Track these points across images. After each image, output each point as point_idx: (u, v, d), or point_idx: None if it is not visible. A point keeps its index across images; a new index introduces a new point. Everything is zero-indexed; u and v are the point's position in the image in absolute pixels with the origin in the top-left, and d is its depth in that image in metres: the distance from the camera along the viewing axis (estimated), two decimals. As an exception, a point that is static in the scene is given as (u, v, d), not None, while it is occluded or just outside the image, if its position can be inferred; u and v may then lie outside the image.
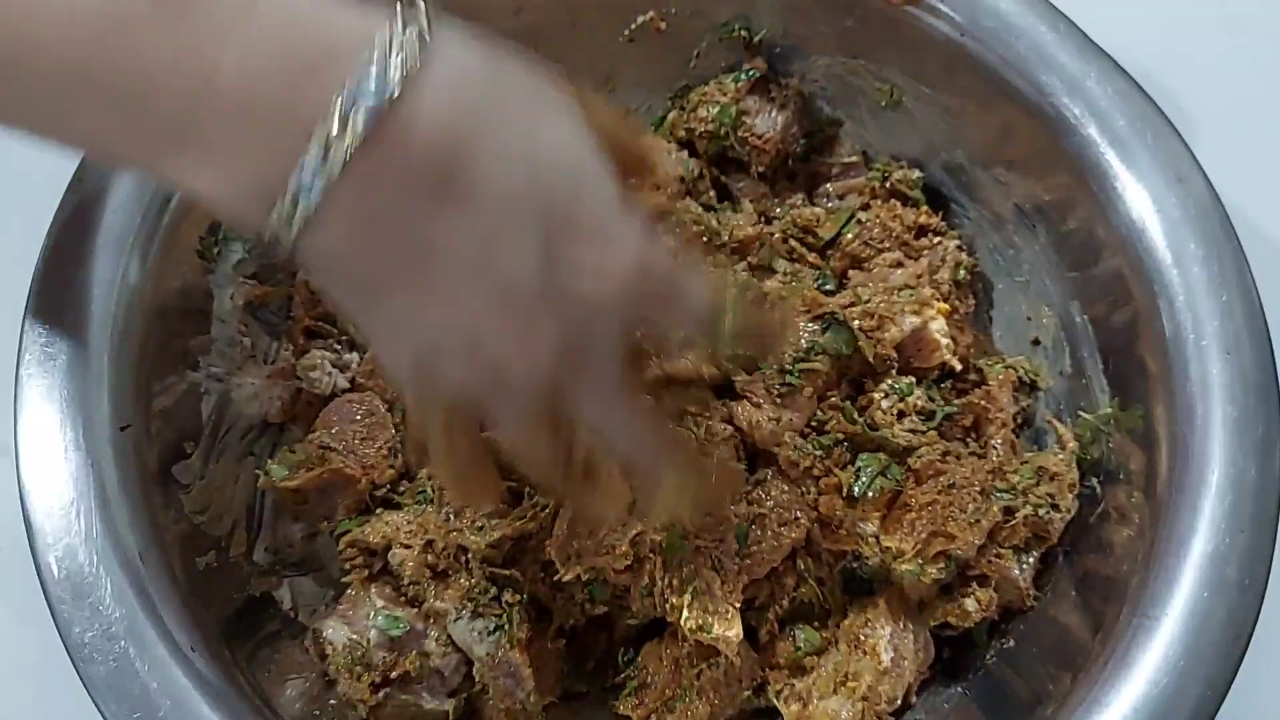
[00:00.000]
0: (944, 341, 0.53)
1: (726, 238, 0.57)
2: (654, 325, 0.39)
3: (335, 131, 0.30)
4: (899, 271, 0.56)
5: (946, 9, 0.54)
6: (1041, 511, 0.50)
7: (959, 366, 0.54)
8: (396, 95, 0.30)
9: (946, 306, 0.54)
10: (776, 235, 0.59)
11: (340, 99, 0.30)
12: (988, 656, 0.51)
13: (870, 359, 0.52)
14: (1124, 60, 0.52)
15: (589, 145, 0.34)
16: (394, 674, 0.48)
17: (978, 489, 0.49)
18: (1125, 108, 0.51)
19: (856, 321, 0.52)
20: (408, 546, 0.50)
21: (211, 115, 0.30)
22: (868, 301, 0.53)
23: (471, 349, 0.33)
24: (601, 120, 0.36)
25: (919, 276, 0.55)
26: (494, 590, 0.49)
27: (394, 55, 0.30)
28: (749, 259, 0.58)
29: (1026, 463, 0.52)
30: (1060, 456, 0.52)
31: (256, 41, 0.30)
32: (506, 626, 0.48)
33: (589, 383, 0.35)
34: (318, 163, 0.30)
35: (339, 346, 0.56)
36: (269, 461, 0.52)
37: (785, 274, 0.58)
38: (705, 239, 0.57)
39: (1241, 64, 0.66)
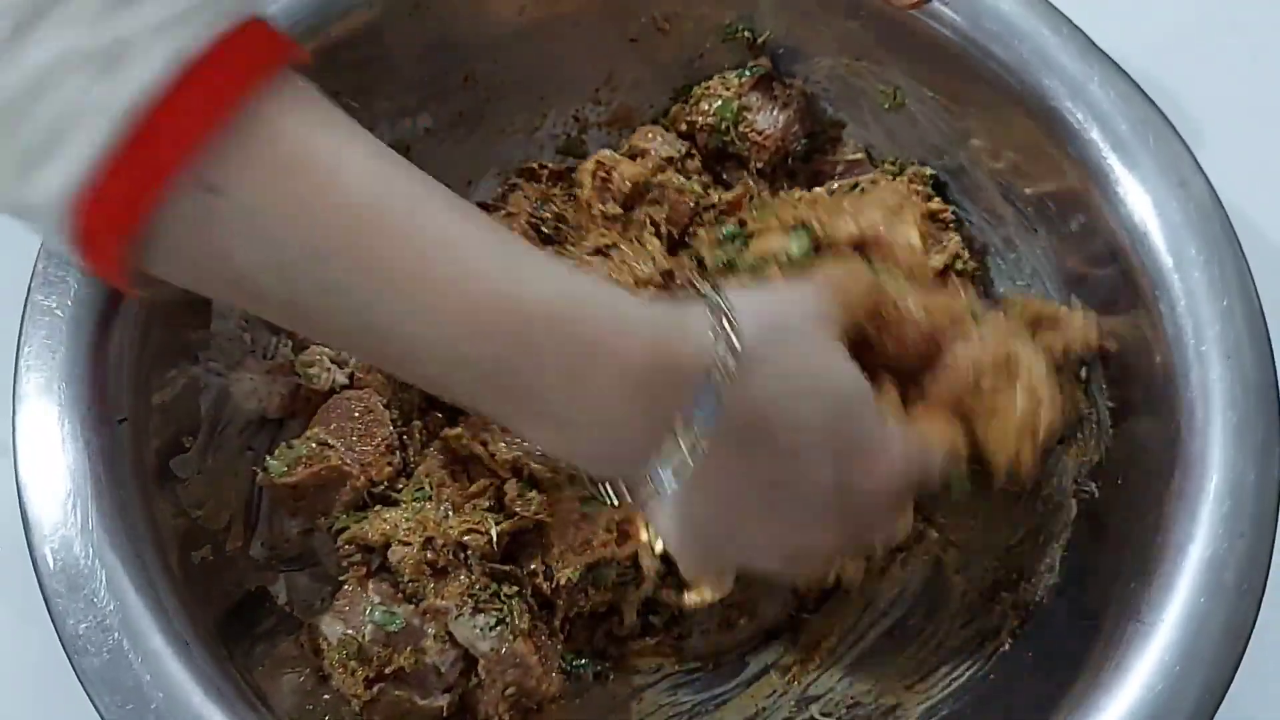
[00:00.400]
0: (913, 249, 0.52)
1: (716, 200, 0.57)
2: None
3: (690, 426, 0.37)
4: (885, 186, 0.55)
5: (949, 12, 0.54)
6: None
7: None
8: (726, 391, 0.37)
9: (924, 227, 0.54)
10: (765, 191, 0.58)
11: (695, 396, 0.37)
12: (981, 662, 0.51)
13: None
14: (1126, 63, 0.52)
15: (854, 373, 0.42)
16: (388, 669, 0.48)
17: None
18: (1127, 111, 0.51)
19: (816, 219, 0.52)
20: (407, 544, 0.50)
21: (593, 397, 0.36)
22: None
23: (785, 554, 0.43)
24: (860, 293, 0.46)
25: (906, 197, 0.54)
26: (494, 586, 0.49)
27: (721, 367, 0.37)
28: (738, 215, 0.57)
29: None
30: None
31: (637, 352, 0.36)
32: (508, 619, 0.48)
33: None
34: (678, 449, 0.37)
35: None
36: (267, 457, 0.53)
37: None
38: (692, 204, 0.57)
39: (1244, 66, 0.66)
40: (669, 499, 0.39)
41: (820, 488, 0.41)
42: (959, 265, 0.56)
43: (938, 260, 0.55)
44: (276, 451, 0.52)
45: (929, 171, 0.59)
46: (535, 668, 0.49)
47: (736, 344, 0.37)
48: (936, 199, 0.59)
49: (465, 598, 0.49)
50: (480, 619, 0.49)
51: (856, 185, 0.59)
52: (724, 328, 0.38)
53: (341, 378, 0.55)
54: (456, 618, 0.49)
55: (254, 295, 0.35)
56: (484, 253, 0.35)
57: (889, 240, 0.53)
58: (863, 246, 0.52)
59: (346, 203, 0.33)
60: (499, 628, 0.48)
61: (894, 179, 0.59)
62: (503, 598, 0.49)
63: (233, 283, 0.34)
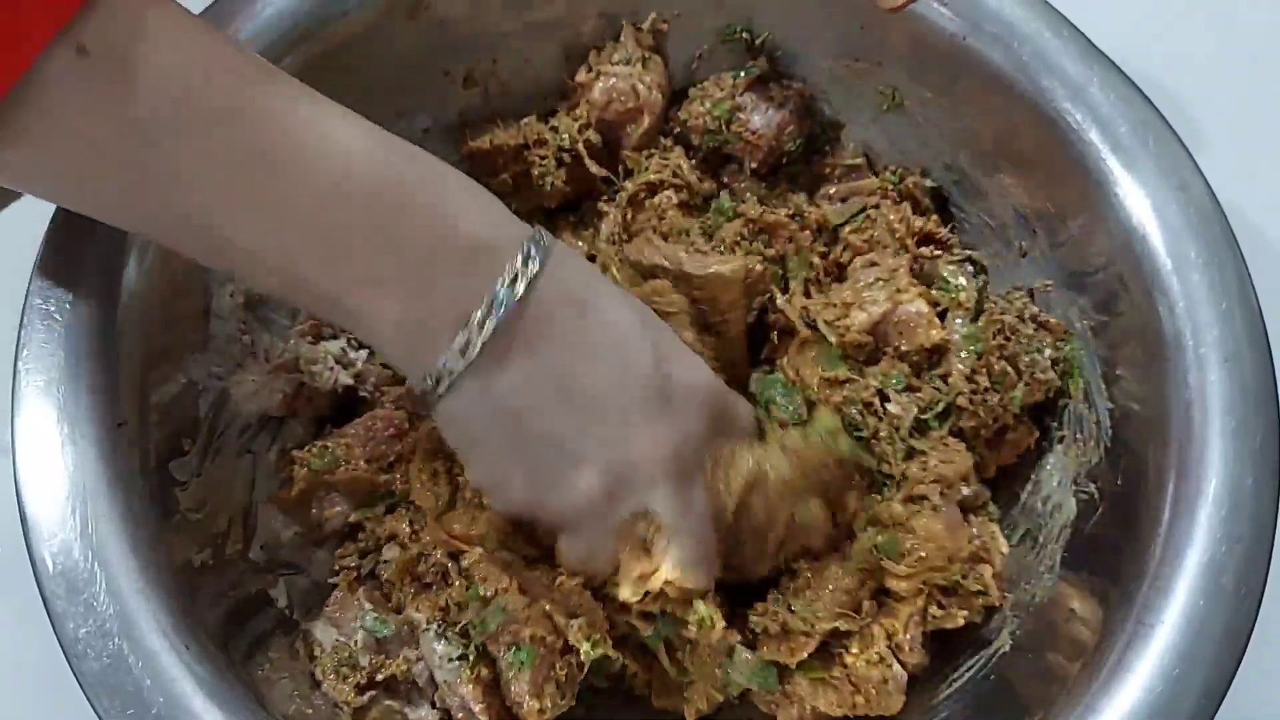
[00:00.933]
0: (925, 316, 0.53)
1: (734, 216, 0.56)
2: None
3: (508, 283, 0.40)
4: (873, 268, 0.55)
5: (949, 13, 0.54)
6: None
7: (945, 339, 0.53)
8: (529, 286, 0.41)
9: (929, 292, 0.54)
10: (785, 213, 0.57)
11: (497, 283, 0.40)
12: (981, 663, 0.51)
13: (845, 350, 0.53)
14: (1127, 65, 0.52)
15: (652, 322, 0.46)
16: (380, 676, 0.47)
17: None
18: (1127, 113, 0.51)
19: (821, 316, 0.53)
20: (405, 548, 0.50)
21: (407, 278, 0.40)
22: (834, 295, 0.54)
23: (623, 465, 0.43)
24: None
25: (894, 271, 0.54)
26: (468, 621, 0.48)
27: (529, 262, 0.41)
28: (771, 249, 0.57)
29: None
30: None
31: (461, 235, 0.41)
32: (470, 657, 0.47)
33: (679, 469, 0.44)
34: (485, 316, 0.40)
35: (347, 345, 0.56)
36: (308, 454, 0.52)
37: None
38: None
39: (1244, 67, 0.66)
40: (461, 400, 0.41)
41: (638, 365, 0.43)
42: (959, 296, 0.56)
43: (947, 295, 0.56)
44: (315, 450, 0.52)
45: (929, 183, 0.59)
46: (480, 715, 0.47)
47: (538, 260, 0.41)
48: (934, 217, 0.59)
49: (437, 612, 0.48)
50: (442, 646, 0.48)
51: (864, 210, 0.58)
52: (539, 244, 0.41)
53: (345, 378, 0.55)
54: (424, 631, 0.48)
55: (113, 162, 0.37)
56: (346, 125, 0.40)
57: (904, 319, 0.53)
58: (881, 330, 0.54)
59: (226, 65, 0.37)
60: (456, 663, 0.47)
61: (893, 191, 0.59)
62: (472, 631, 0.47)
63: (90, 146, 0.36)
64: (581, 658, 0.46)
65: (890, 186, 0.60)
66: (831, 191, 0.61)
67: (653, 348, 0.44)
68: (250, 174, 0.38)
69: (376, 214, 0.39)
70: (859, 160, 0.61)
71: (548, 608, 0.46)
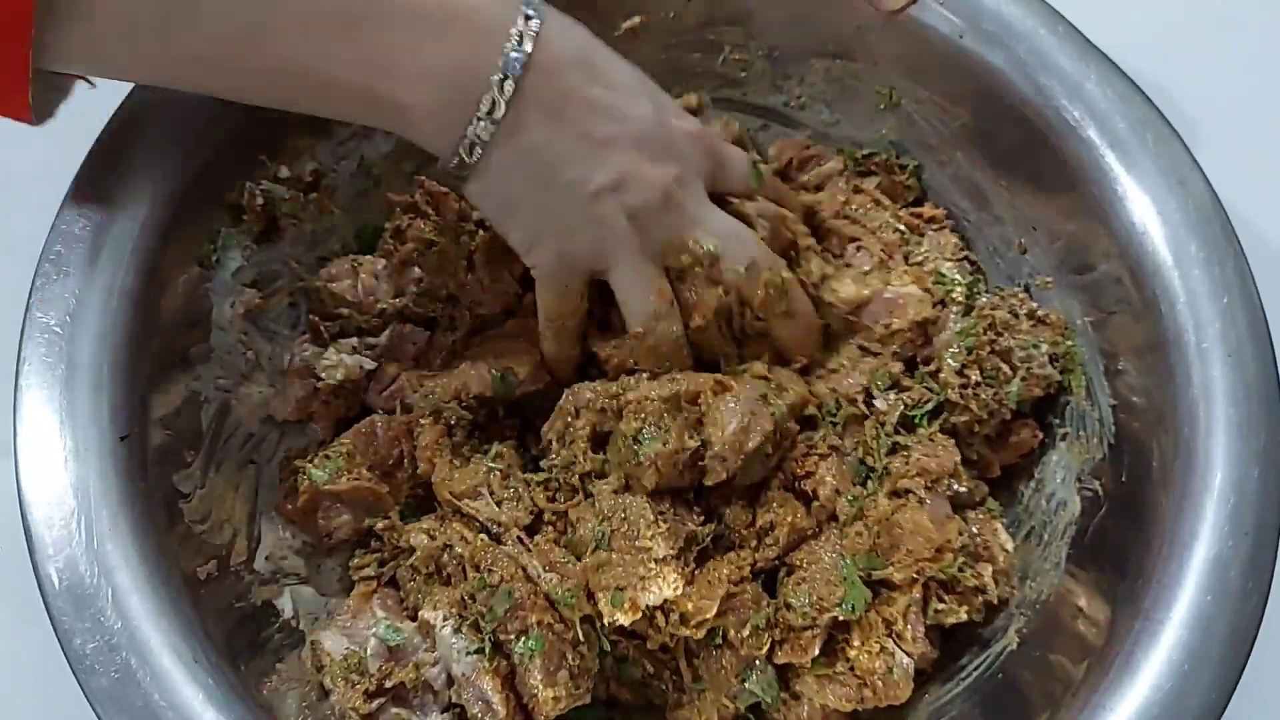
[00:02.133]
0: (916, 296, 0.54)
1: None
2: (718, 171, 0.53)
3: (515, 44, 0.45)
4: (862, 252, 0.57)
5: (946, 12, 0.54)
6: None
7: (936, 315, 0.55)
8: (535, 44, 0.45)
9: (924, 278, 0.55)
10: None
11: (508, 45, 0.45)
12: (989, 661, 0.51)
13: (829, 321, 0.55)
14: (1124, 62, 0.52)
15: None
16: (389, 683, 0.47)
17: None
18: (1126, 110, 0.51)
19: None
20: (433, 538, 0.50)
21: (427, 52, 0.44)
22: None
23: (629, 179, 0.48)
24: None
25: (886, 256, 0.56)
26: (486, 612, 0.48)
27: (530, 22, 0.46)
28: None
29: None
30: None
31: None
32: (486, 649, 0.47)
33: (692, 193, 0.50)
34: (504, 78, 0.45)
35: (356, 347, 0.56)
36: (309, 466, 0.52)
37: None
38: None
39: (1241, 65, 0.66)
40: (493, 165, 0.46)
41: (641, 116, 0.48)
42: (954, 291, 0.56)
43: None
44: (316, 460, 0.52)
45: (911, 162, 0.60)
46: (499, 708, 0.46)
47: (538, 21, 0.45)
48: (929, 204, 0.59)
49: (453, 608, 0.48)
50: (460, 640, 0.47)
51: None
52: (536, 8, 0.46)
53: (365, 363, 0.55)
54: (440, 629, 0.48)
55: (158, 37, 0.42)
56: None
57: (894, 298, 0.54)
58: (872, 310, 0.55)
59: None
60: (473, 656, 0.47)
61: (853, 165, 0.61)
62: (482, 622, 0.47)
63: (144, 29, 0.41)
64: (565, 612, 0.47)
65: (850, 160, 0.61)
66: (804, 179, 0.62)
67: (652, 101, 0.49)
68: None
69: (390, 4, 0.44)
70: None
71: (543, 570, 0.47)
